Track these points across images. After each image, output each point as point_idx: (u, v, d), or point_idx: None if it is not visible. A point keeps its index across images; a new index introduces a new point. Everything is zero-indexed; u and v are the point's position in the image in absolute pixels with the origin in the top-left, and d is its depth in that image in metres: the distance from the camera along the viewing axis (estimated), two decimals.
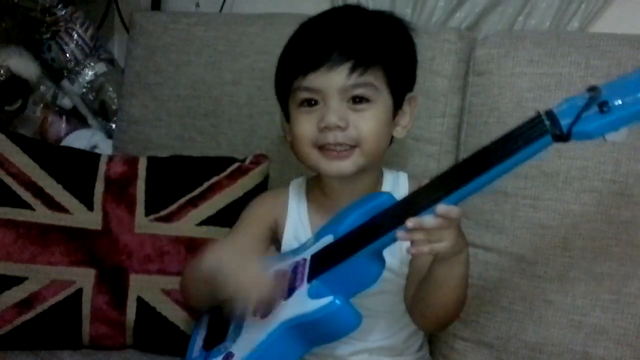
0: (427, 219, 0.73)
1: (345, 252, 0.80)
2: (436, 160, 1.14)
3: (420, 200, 0.74)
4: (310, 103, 0.90)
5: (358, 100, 0.89)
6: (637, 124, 0.65)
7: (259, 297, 0.81)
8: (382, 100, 0.91)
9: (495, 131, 1.07)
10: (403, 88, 0.94)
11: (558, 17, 1.23)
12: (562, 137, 0.67)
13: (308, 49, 0.90)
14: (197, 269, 0.89)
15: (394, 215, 0.76)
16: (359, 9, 0.97)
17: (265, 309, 0.84)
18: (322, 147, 0.89)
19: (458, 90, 1.14)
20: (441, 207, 0.72)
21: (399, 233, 0.74)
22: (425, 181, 0.76)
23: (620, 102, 0.65)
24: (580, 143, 0.99)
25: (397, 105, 0.93)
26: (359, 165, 0.90)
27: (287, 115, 0.96)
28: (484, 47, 1.12)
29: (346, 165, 0.89)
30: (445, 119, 1.14)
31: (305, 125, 0.89)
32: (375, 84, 0.89)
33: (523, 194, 1.04)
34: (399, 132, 0.95)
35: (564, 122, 0.67)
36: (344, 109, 0.88)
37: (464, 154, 1.13)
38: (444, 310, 0.86)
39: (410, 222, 0.73)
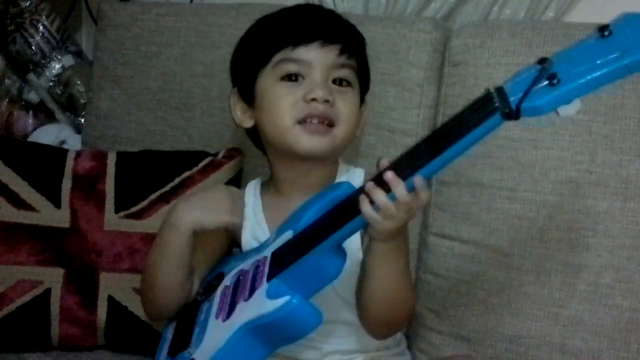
0: (400, 187, 0.70)
1: (304, 247, 0.77)
2: None
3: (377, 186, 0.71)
4: (291, 78, 0.89)
5: (339, 82, 0.90)
6: (587, 94, 0.61)
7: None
8: (356, 90, 0.93)
9: None
10: (365, 88, 0.97)
11: (533, 7, 1.23)
12: (512, 114, 0.63)
13: (299, 22, 0.91)
14: (155, 247, 0.92)
15: (351, 205, 0.73)
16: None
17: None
18: (303, 121, 0.87)
19: (434, 81, 1.13)
20: (418, 179, 0.69)
21: (369, 184, 0.71)
22: (378, 165, 0.73)
23: (568, 72, 0.61)
24: (556, 134, 1.01)
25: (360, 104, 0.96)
26: (334, 146, 0.89)
27: (248, 98, 0.94)
28: (459, 38, 1.11)
29: (324, 142, 0.88)
30: (421, 110, 1.12)
31: (289, 98, 0.88)
32: (355, 70, 0.93)
33: (499, 185, 1.03)
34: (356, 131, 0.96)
35: (513, 98, 0.63)
36: (330, 87, 0.89)
37: None
38: (378, 306, 0.83)
39: (390, 174, 0.69)
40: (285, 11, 0.96)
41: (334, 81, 0.90)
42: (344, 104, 0.89)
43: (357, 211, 0.73)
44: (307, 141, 0.88)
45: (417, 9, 1.28)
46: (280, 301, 0.76)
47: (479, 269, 1.04)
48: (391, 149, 1.12)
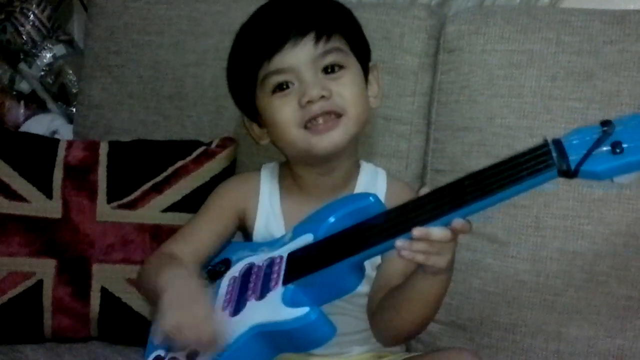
0: (435, 230, 0.69)
1: (326, 258, 0.76)
2: (407, 140, 1.12)
3: (416, 215, 0.70)
4: (282, 87, 0.86)
5: (331, 69, 0.87)
6: None
7: (196, 340, 0.74)
8: (353, 64, 0.89)
9: (466, 109, 1.07)
10: (365, 54, 0.93)
11: None
12: (569, 173, 0.63)
13: (265, 34, 0.87)
14: (145, 273, 0.88)
15: (387, 226, 0.72)
16: None
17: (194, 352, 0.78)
18: (308, 125, 0.85)
19: (428, 68, 1.12)
20: (457, 222, 0.68)
21: (399, 242, 0.69)
22: (418, 193, 0.72)
23: (633, 144, 0.60)
24: (551, 121, 1.01)
25: (364, 74, 0.92)
26: (350, 134, 0.87)
27: (252, 116, 0.93)
28: (454, 24, 1.10)
29: (338, 134, 0.85)
30: (416, 97, 1.11)
31: (285, 108, 0.86)
32: (342, 48, 0.88)
33: None
34: (372, 102, 0.93)
35: (572, 158, 0.62)
36: (322, 80, 0.86)
37: (435, 133, 1.11)
38: (411, 324, 0.82)
39: (417, 231, 0.68)
40: (247, 25, 0.92)
41: (324, 69, 0.86)
42: (344, 89, 0.86)
43: (388, 236, 0.71)
44: (321, 142, 0.85)
45: None
46: (298, 311, 0.75)
47: (474, 257, 1.04)
48: (386, 137, 1.11)
